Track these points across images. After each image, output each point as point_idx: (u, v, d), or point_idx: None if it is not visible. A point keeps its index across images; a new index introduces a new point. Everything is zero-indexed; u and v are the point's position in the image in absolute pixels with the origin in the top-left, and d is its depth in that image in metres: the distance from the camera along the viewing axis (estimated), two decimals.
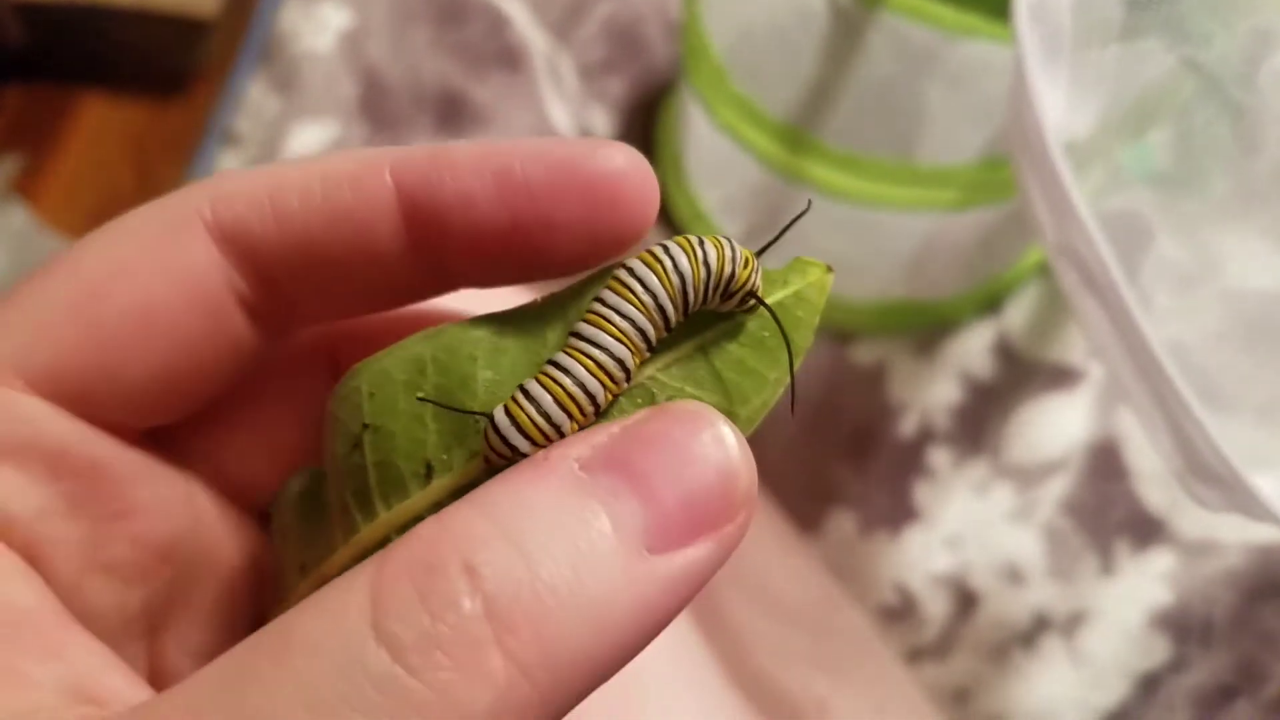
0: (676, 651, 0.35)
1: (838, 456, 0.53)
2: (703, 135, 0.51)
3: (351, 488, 0.20)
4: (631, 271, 0.18)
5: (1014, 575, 0.52)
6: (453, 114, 0.59)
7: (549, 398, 0.18)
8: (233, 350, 0.20)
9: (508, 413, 0.18)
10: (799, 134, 0.47)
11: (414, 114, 0.59)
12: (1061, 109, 0.29)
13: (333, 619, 0.15)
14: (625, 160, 0.18)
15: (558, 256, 0.19)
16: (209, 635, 0.22)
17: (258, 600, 0.23)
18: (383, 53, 0.60)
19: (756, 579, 0.43)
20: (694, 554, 0.16)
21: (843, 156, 0.46)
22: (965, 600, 0.52)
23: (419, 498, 0.19)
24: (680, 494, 0.16)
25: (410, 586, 0.15)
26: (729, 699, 0.37)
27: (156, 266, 0.19)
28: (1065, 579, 0.52)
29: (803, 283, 0.20)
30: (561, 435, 0.18)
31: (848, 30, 0.45)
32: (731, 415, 0.18)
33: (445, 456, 0.19)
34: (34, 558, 0.19)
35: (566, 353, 0.18)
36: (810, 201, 0.21)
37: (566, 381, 0.18)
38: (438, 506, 0.18)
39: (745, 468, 0.17)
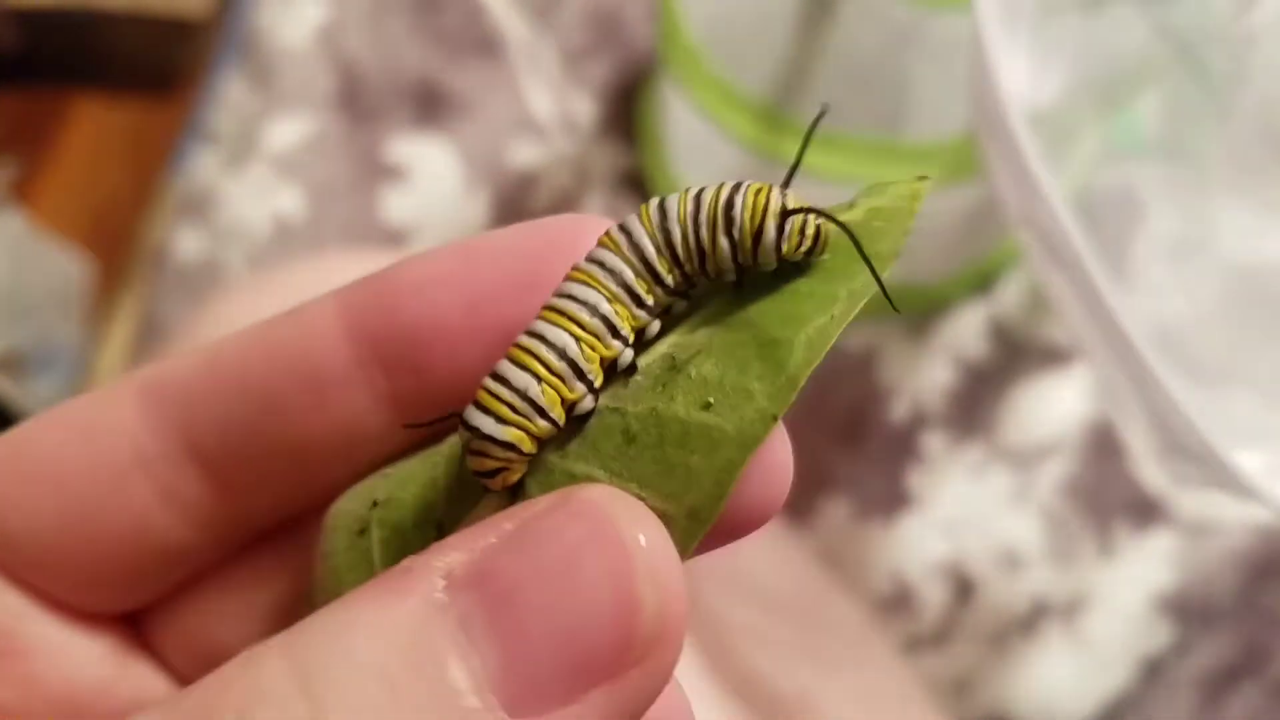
0: None
1: (829, 443, 0.52)
2: (682, 119, 0.51)
3: (351, 580, 0.17)
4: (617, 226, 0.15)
5: (1012, 560, 0.51)
6: (432, 104, 0.58)
7: (513, 367, 0.15)
8: (149, 536, 0.18)
9: (477, 402, 0.15)
10: (777, 114, 0.46)
11: (393, 105, 0.58)
12: (1023, 77, 0.28)
13: None
14: (566, 219, 0.17)
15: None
16: None
17: None
18: (360, 44, 0.60)
19: (738, 569, 0.42)
20: (578, 714, 0.12)
21: (822, 136, 0.45)
22: (963, 587, 0.51)
23: None
24: (556, 633, 0.12)
25: None
26: (707, 689, 0.36)
27: (68, 423, 0.18)
28: (1064, 563, 0.51)
29: (880, 200, 0.16)
30: (544, 414, 0.15)
31: (822, 7, 0.44)
32: (773, 355, 0.15)
33: (455, 511, 0.16)
34: None
35: (537, 317, 0.15)
36: (826, 105, 0.17)
37: (529, 341, 0.15)
38: None
39: (654, 590, 0.12)
